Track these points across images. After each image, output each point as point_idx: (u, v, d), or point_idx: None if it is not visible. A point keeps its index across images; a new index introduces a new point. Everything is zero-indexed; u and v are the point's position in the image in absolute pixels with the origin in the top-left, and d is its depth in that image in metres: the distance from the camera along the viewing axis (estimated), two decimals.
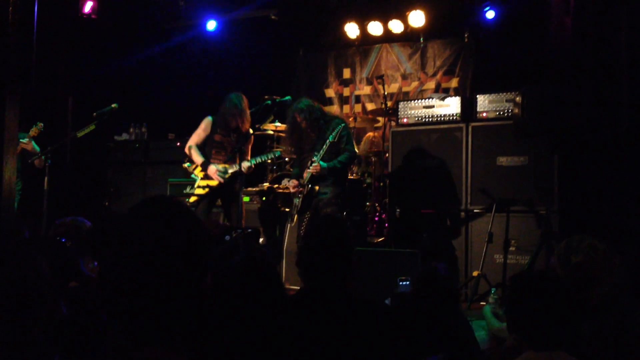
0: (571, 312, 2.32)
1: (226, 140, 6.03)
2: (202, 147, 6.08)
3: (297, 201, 5.75)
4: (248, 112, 6.00)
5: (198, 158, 6.02)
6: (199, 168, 6.00)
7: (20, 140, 6.41)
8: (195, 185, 6.04)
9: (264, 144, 7.59)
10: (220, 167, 5.92)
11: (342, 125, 5.53)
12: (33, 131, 6.55)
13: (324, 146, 5.49)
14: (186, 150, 6.15)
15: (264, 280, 2.05)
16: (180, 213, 1.30)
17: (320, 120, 5.65)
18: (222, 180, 5.89)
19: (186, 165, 6.17)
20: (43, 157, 6.42)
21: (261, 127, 6.46)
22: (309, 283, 2.62)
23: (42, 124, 6.62)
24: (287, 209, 6.38)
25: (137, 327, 1.25)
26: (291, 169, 6.82)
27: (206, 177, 5.98)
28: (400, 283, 3.69)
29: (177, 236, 1.26)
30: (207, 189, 5.96)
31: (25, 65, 6.16)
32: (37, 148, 6.57)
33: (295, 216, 5.79)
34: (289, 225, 6.20)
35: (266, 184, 7.04)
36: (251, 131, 6.06)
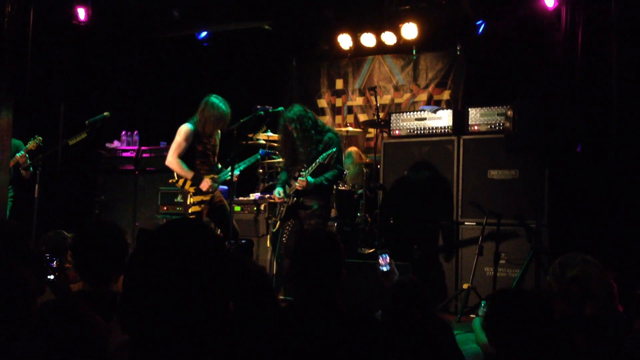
0: (554, 328, 2.33)
1: (208, 148, 5.78)
2: (182, 158, 5.67)
3: (282, 208, 5.73)
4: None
5: (186, 172, 5.61)
6: (189, 182, 5.66)
7: (17, 154, 6.41)
8: (189, 203, 5.70)
9: (255, 153, 7.58)
10: (209, 178, 5.67)
11: (334, 150, 5.43)
12: (31, 145, 6.51)
13: (314, 164, 5.43)
14: (169, 164, 5.70)
15: (257, 292, 2.05)
16: (209, 236, 1.29)
17: (311, 131, 5.56)
18: (215, 193, 5.75)
19: (173, 181, 5.81)
20: (31, 169, 6.40)
21: (254, 137, 6.42)
22: (300, 296, 2.61)
23: (40, 138, 6.56)
24: (275, 218, 6.37)
25: (159, 347, 1.24)
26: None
27: (198, 192, 5.66)
28: (380, 257, 3.66)
29: (206, 259, 1.25)
30: (202, 205, 5.68)
31: (21, 75, 6.14)
32: (29, 161, 6.55)
33: (278, 222, 5.78)
34: (272, 231, 6.16)
35: (257, 194, 7.04)
36: (219, 132, 5.89)
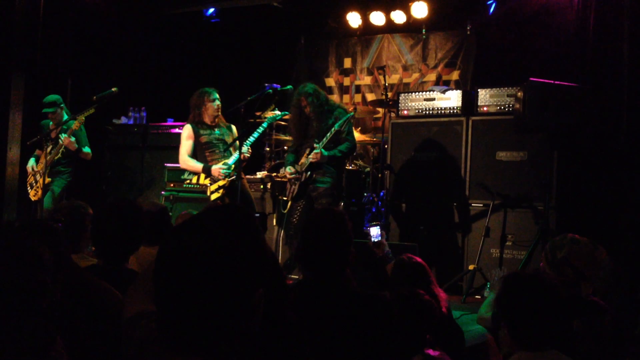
0: (563, 312, 2.33)
1: (212, 137, 5.92)
2: (194, 156, 5.94)
3: (293, 187, 5.70)
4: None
5: (196, 166, 5.87)
6: (202, 176, 5.88)
7: (63, 135, 6.42)
8: (209, 192, 5.86)
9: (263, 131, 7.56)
10: (221, 164, 5.80)
11: (350, 114, 5.49)
12: (75, 125, 6.47)
13: (328, 134, 5.42)
14: (181, 165, 6.02)
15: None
16: (253, 226, 1.27)
17: (324, 107, 5.61)
18: (230, 176, 5.79)
19: (188, 181, 6.08)
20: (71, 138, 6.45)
21: (262, 115, 6.41)
22: (308, 275, 2.62)
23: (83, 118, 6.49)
24: (284, 198, 6.36)
25: (184, 334, 1.22)
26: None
27: (214, 180, 5.84)
28: (371, 229, 3.72)
29: (245, 246, 1.24)
30: (221, 190, 5.82)
31: (31, 52, 6.09)
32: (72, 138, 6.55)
33: (289, 203, 5.76)
34: (282, 212, 6.14)
35: (264, 172, 7.03)
36: (234, 128, 6.02)
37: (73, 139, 6.45)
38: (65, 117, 6.69)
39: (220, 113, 5.96)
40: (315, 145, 5.48)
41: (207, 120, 5.91)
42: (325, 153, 5.46)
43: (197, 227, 1.25)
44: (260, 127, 5.98)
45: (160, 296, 1.24)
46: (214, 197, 5.84)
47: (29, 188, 6.56)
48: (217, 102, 5.90)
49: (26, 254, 1.64)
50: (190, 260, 1.20)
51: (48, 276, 1.68)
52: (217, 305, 1.20)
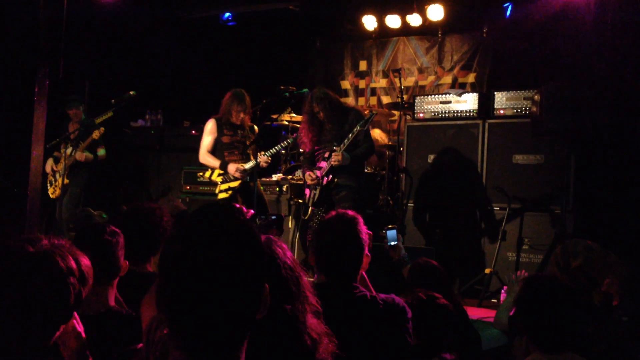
0: (580, 316, 2.33)
1: (235, 139, 5.95)
2: (212, 153, 5.97)
3: (314, 192, 5.67)
4: (250, 108, 5.97)
5: (214, 161, 5.90)
6: (217, 172, 5.90)
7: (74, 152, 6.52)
8: (217, 191, 5.92)
9: (279, 134, 7.58)
10: (238, 166, 5.85)
11: (374, 114, 5.48)
12: (95, 134, 6.54)
13: (350, 135, 5.39)
14: (200, 160, 6.04)
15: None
16: (240, 220, 1.26)
17: (338, 110, 5.59)
18: (243, 178, 5.83)
19: (201, 174, 6.09)
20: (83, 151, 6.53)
21: (278, 118, 6.41)
22: (322, 278, 2.62)
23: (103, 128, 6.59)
24: (300, 200, 6.35)
25: (199, 340, 1.21)
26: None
27: (225, 180, 5.87)
28: (388, 232, 3.72)
29: (239, 243, 1.22)
30: (230, 192, 5.87)
31: (55, 56, 6.17)
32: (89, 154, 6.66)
33: (310, 208, 5.72)
34: (301, 217, 6.13)
35: (279, 175, 7.04)
36: (256, 128, 6.05)
37: (86, 152, 6.57)
38: (84, 117, 6.76)
39: (241, 121, 5.97)
40: (335, 147, 5.45)
41: (227, 117, 5.95)
42: (347, 155, 5.44)
43: (197, 231, 1.24)
44: (285, 142, 6.04)
45: (166, 302, 1.23)
46: (221, 196, 5.87)
47: (48, 185, 6.65)
48: (241, 115, 5.91)
49: (64, 261, 1.66)
50: (194, 265, 1.19)
51: (82, 286, 1.69)
52: (225, 307, 1.19)
